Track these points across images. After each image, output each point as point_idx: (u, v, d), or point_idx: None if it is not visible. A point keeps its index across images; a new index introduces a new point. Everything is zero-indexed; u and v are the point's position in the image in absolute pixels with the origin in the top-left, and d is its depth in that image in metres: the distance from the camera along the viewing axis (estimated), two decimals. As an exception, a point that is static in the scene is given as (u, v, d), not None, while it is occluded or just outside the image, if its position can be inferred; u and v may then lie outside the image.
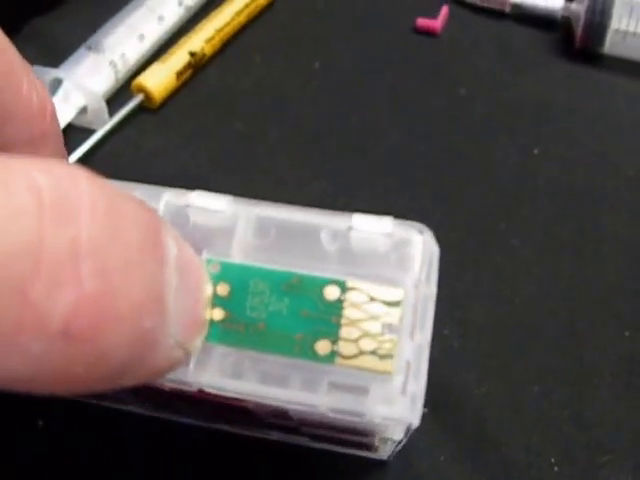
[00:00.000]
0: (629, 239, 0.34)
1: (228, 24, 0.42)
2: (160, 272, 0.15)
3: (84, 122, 0.38)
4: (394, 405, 0.17)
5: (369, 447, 0.24)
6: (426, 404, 0.29)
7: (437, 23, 0.41)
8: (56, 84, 0.38)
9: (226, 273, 0.18)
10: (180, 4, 0.42)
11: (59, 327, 0.13)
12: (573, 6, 0.40)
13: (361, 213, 0.19)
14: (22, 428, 0.29)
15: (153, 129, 0.39)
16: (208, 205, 0.19)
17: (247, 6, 0.42)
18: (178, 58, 0.40)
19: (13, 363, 0.13)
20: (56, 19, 0.43)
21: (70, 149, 0.36)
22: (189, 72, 0.40)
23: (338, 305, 0.17)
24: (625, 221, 0.35)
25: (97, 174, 0.14)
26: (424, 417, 0.28)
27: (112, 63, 0.39)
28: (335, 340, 0.17)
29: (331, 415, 0.17)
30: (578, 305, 0.32)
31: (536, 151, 0.37)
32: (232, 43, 0.42)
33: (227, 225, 0.19)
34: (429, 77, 0.40)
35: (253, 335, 0.17)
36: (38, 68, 0.37)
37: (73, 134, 0.37)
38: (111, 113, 0.39)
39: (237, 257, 0.18)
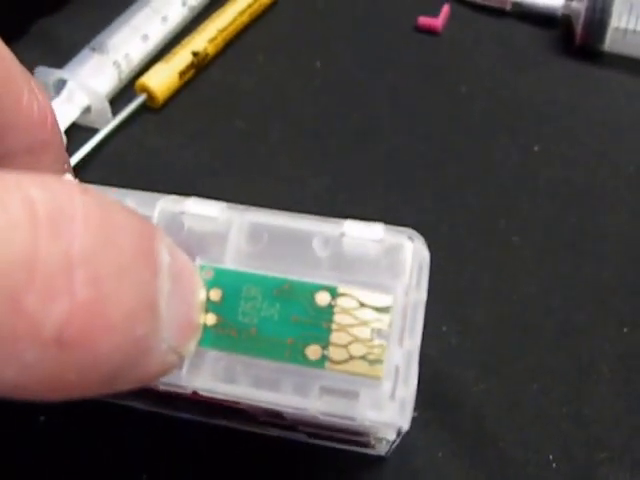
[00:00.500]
0: (629, 237, 0.34)
1: (231, 24, 0.42)
2: (153, 279, 0.15)
3: (88, 122, 0.39)
4: (383, 410, 0.17)
5: (366, 445, 0.24)
6: (424, 401, 0.29)
7: (438, 22, 0.41)
8: (60, 84, 0.38)
9: (219, 279, 0.18)
10: (184, 4, 0.43)
11: (52, 335, 0.13)
12: (573, 4, 0.40)
13: (357, 216, 0.19)
14: (23, 423, 0.29)
15: (156, 128, 0.39)
16: (202, 212, 0.19)
17: (250, 6, 0.43)
18: (181, 58, 0.40)
19: (7, 371, 0.13)
20: (61, 20, 0.43)
21: (74, 148, 0.36)
22: (192, 72, 0.41)
23: (329, 311, 0.17)
24: (625, 219, 0.35)
25: (89, 185, 0.15)
26: (422, 414, 0.29)
27: (116, 63, 0.40)
28: (325, 345, 0.17)
29: (322, 418, 0.17)
30: (577, 302, 0.32)
31: (536, 149, 0.37)
32: (235, 43, 0.42)
33: (220, 231, 0.19)
34: (430, 76, 0.40)
35: (245, 340, 0.17)
36: (42, 69, 0.38)
37: (77, 133, 0.38)
38: (115, 112, 0.39)
39: (230, 263, 0.18)
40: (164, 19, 0.42)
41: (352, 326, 0.17)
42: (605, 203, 0.36)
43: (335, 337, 0.17)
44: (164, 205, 0.19)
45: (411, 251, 0.18)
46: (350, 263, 0.18)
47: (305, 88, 0.40)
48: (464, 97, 0.39)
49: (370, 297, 0.18)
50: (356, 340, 0.17)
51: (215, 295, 0.18)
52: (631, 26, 0.38)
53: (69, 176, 0.22)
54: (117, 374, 0.15)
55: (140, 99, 0.39)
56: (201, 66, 0.41)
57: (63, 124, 0.37)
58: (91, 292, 0.13)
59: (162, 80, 0.39)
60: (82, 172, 0.36)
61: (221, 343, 0.18)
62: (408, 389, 0.17)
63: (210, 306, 0.18)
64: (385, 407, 0.17)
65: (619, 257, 0.34)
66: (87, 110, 0.38)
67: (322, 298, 0.17)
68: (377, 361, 0.17)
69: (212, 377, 0.18)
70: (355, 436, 0.22)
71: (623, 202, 0.36)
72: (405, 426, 0.17)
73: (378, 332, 0.17)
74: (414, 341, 0.18)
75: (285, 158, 0.38)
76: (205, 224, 0.19)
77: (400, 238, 0.19)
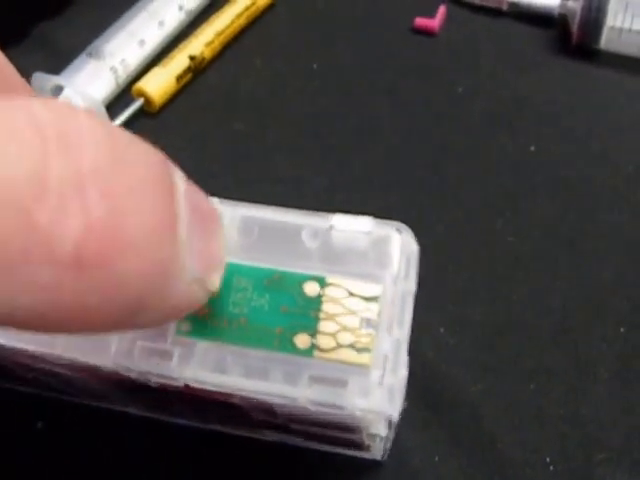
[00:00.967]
0: (627, 236, 0.35)
1: (228, 27, 0.43)
2: (169, 202, 0.15)
3: (85, 127, 0.39)
4: (372, 397, 0.17)
5: (360, 445, 0.25)
6: (421, 401, 0.30)
7: (435, 23, 0.42)
8: (57, 91, 0.39)
9: None
10: (181, 9, 0.43)
11: (69, 253, 0.13)
12: (569, 3, 0.41)
13: (353, 212, 0.20)
14: (21, 430, 0.30)
15: (153, 133, 0.39)
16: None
17: (247, 9, 0.43)
18: (178, 62, 0.41)
19: (23, 295, 0.13)
20: (59, 25, 0.44)
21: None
22: (189, 76, 0.41)
23: (317, 300, 0.18)
24: (623, 218, 0.35)
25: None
26: (419, 415, 0.29)
27: (113, 69, 0.40)
28: (314, 334, 0.18)
29: (312, 408, 0.18)
30: (574, 302, 0.33)
31: (534, 148, 0.38)
32: (232, 46, 0.43)
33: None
34: (427, 76, 0.41)
35: (235, 330, 0.18)
36: (39, 75, 0.39)
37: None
38: (112, 117, 0.40)
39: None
40: (161, 23, 0.42)
41: (340, 315, 0.18)
42: (603, 202, 0.36)
43: (323, 326, 0.18)
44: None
45: (399, 242, 0.19)
46: (339, 254, 0.19)
47: (303, 90, 0.41)
48: (461, 97, 0.40)
49: (359, 287, 0.18)
50: (344, 329, 0.18)
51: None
52: (627, 25, 0.39)
53: None
54: (141, 302, 0.15)
55: (137, 104, 0.40)
56: (198, 70, 0.42)
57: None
58: (105, 208, 0.13)
59: (159, 84, 0.40)
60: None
61: (211, 333, 0.18)
62: (397, 378, 0.18)
63: None
64: (373, 395, 0.17)
65: (617, 257, 0.34)
66: (84, 115, 0.39)
67: (311, 288, 0.18)
68: (365, 349, 0.18)
69: (203, 367, 0.18)
70: (348, 433, 0.22)
71: (621, 201, 0.36)
72: (394, 415, 0.18)
73: (367, 321, 0.18)
74: (403, 331, 0.18)
75: (283, 160, 0.38)
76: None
77: (388, 230, 0.19)
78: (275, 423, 0.23)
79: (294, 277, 0.18)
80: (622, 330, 0.32)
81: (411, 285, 0.19)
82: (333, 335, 0.18)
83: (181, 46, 0.42)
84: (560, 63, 0.41)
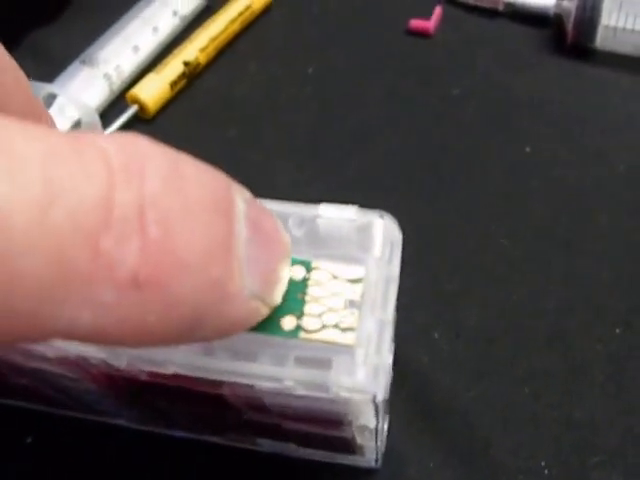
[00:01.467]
0: (621, 236, 0.36)
1: (222, 32, 0.44)
2: (226, 222, 0.16)
3: (79, 134, 0.40)
4: (356, 376, 0.19)
5: (352, 445, 0.26)
6: (414, 409, 0.30)
7: (430, 24, 0.43)
8: (50, 99, 0.40)
9: None
10: (175, 14, 0.45)
11: (128, 275, 0.14)
12: (564, 3, 0.42)
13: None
14: (10, 444, 0.30)
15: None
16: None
17: (241, 14, 0.45)
18: (172, 68, 0.42)
19: (84, 314, 0.14)
20: (52, 33, 0.45)
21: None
22: (183, 81, 0.43)
23: (303, 284, 0.19)
24: (617, 218, 0.36)
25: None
26: (413, 422, 0.30)
27: (106, 76, 0.42)
28: (300, 315, 0.19)
29: (300, 391, 0.19)
30: (569, 304, 0.33)
31: (529, 149, 0.39)
32: (226, 51, 0.45)
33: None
34: (423, 78, 0.42)
35: (223, 314, 0.19)
36: (32, 83, 0.40)
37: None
38: (107, 124, 0.41)
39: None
40: (155, 29, 0.44)
41: (325, 297, 0.19)
42: (598, 203, 0.37)
43: (309, 308, 0.19)
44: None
45: (381, 227, 0.20)
46: (324, 240, 0.20)
47: (298, 94, 0.42)
48: (457, 98, 0.41)
49: (342, 270, 0.19)
50: (329, 310, 0.19)
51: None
52: (621, 24, 0.40)
53: None
54: (198, 318, 0.16)
55: (132, 110, 0.41)
56: (193, 75, 0.43)
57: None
58: (161, 232, 0.15)
59: (153, 91, 0.42)
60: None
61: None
62: (381, 358, 0.19)
63: None
64: (358, 373, 0.19)
65: (612, 257, 0.35)
66: (78, 124, 0.40)
67: (297, 272, 0.19)
68: (349, 329, 0.19)
69: (191, 351, 0.19)
70: (338, 429, 0.23)
71: (616, 201, 0.37)
72: (379, 394, 0.19)
73: (350, 302, 0.19)
74: (386, 313, 0.19)
75: (279, 164, 0.39)
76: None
77: (371, 216, 0.20)
78: (268, 424, 0.24)
79: (281, 262, 0.19)
80: (617, 331, 0.33)
81: (394, 270, 0.20)
82: (318, 316, 0.19)
83: (175, 52, 0.43)
84: (556, 63, 0.42)
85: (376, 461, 0.28)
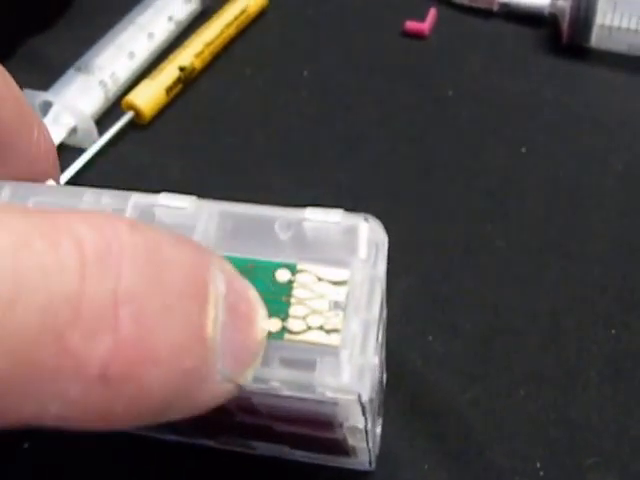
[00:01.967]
0: (616, 237, 0.36)
1: (217, 37, 0.45)
2: (203, 312, 0.16)
3: (75, 142, 0.42)
4: (341, 376, 0.19)
5: (344, 447, 0.26)
6: (409, 411, 0.31)
7: (425, 25, 0.44)
8: (46, 107, 0.41)
9: None
10: (170, 19, 0.46)
11: (96, 371, 0.14)
12: (559, 3, 0.43)
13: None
14: (7, 450, 0.31)
15: (144, 145, 0.42)
16: (172, 203, 0.22)
17: (236, 18, 0.46)
18: (168, 74, 0.43)
19: (51, 407, 0.14)
20: (47, 41, 0.46)
21: (62, 168, 0.39)
22: (179, 87, 0.44)
23: (288, 286, 0.20)
24: (612, 219, 0.37)
25: (138, 221, 0.16)
26: (408, 425, 0.31)
27: (102, 83, 0.43)
28: (285, 318, 0.20)
29: (285, 392, 0.20)
30: (563, 305, 0.34)
31: (524, 150, 0.40)
32: (222, 56, 0.46)
33: (190, 220, 0.22)
34: (418, 79, 0.43)
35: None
36: (28, 92, 0.41)
37: (64, 153, 0.40)
38: (103, 130, 0.42)
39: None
40: (150, 35, 0.45)
41: (310, 299, 0.20)
42: (592, 202, 0.37)
43: (294, 310, 0.20)
44: (137, 199, 0.22)
45: (366, 230, 0.21)
46: (310, 244, 0.21)
47: (293, 99, 0.43)
48: (452, 99, 0.42)
49: (327, 272, 0.20)
50: (314, 312, 0.20)
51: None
52: (615, 23, 0.41)
53: None
54: (168, 405, 0.16)
55: (127, 117, 0.42)
56: (188, 81, 0.44)
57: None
58: (135, 329, 0.14)
59: (149, 97, 0.43)
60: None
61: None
62: (366, 357, 0.20)
63: None
64: (342, 373, 0.19)
65: (607, 258, 0.35)
66: (73, 131, 0.41)
67: (282, 275, 0.20)
68: (334, 330, 0.20)
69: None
70: (328, 430, 0.24)
71: (611, 201, 0.37)
72: (364, 395, 0.20)
73: (335, 304, 0.20)
74: (371, 314, 0.20)
75: (275, 171, 0.40)
76: (175, 214, 0.22)
77: (356, 220, 0.21)
78: (259, 426, 0.25)
79: (266, 265, 0.20)
80: (613, 332, 0.33)
81: (379, 272, 0.21)
82: (303, 318, 0.20)
83: (171, 57, 0.44)
84: (551, 62, 0.43)
85: (370, 463, 0.29)
